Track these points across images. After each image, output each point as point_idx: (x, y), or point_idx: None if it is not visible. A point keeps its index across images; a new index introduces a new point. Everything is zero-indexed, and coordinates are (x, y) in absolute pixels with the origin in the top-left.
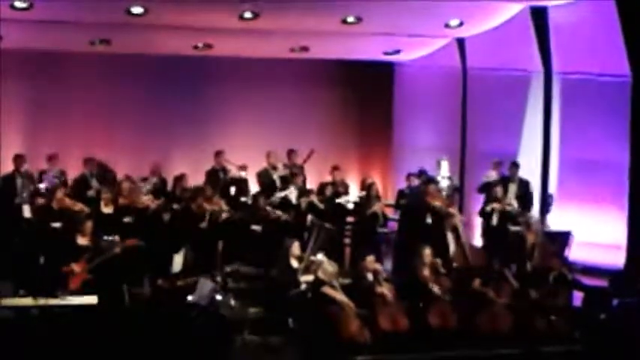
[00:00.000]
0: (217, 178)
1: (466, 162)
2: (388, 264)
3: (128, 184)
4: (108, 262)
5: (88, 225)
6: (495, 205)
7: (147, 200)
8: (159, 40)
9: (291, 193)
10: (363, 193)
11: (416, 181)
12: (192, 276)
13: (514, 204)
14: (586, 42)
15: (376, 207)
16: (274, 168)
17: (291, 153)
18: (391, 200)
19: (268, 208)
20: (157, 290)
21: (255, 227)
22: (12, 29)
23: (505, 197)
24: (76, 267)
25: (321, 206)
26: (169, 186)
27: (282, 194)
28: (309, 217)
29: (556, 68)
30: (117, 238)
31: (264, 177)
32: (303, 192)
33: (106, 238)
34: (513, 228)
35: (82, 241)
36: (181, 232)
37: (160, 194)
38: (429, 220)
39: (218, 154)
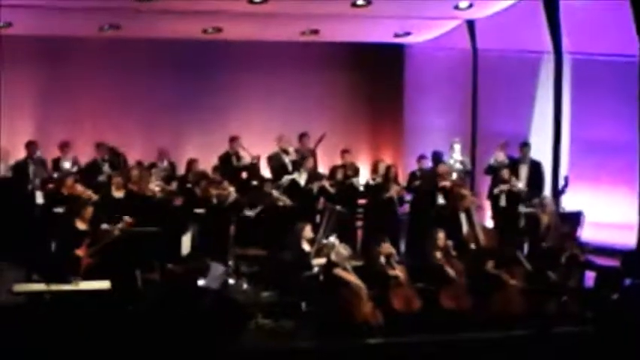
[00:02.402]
0: (230, 163)
1: (477, 144)
2: (401, 246)
3: (137, 171)
4: (111, 247)
5: (89, 210)
6: (503, 187)
7: (155, 188)
8: (168, 25)
9: (300, 177)
10: (375, 175)
11: (427, 163)
12: (202, 258)
13: (520, 185)
14: (596, 22)
15: (393, 191)
16: (285, 152)
17: (303, 137)
18: (402, 182)
19: (275, 193)
20: (168, 275)
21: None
22: (21, 15)
23: (512, 179)
24: (79, 252)
25: (332, 190)
26: (180, 170)
27: (290, 177)
28: (321, 201)
29: (566, 49)
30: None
31: (275, 161)
32: (313, 176)
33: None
34: (525, 210)
35: (81, 226)
36: (188, 215)
37: (171, 179)
38: (441, 201)
39: (233, 139)
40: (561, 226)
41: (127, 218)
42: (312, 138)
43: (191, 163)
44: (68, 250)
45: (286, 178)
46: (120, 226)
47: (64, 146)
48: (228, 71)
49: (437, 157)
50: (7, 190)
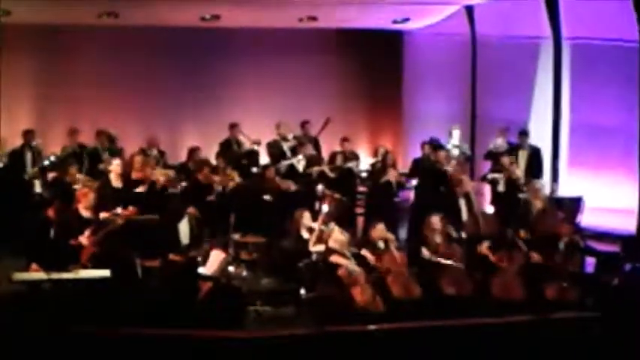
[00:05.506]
0: (230, 150)
1: (476, 130)
2: (403, 232)
3: (140, 158)
4: (114, 235)
5: (92, 197)
6: (496, 175)
7: (159, 174)
8: (166, 13)
9: (299, 162)
10: (376, 160)
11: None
12: (202, 246)
13: (519, 172)
14: (595, 7)
15: (390, 175)
16: (284, 139)
17: (305, 124)
18: (402, 169)
19: (277, 178)
20: (169, 264)
21: (267, 197)
22: (20, 3)
23: (512, 165)
24: (83, 240)
25: (332, 175)
26: (181, 157)
27: (287, 162)
28: (320, 187)
29: (565, 34)
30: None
31: (274, 148)
32: (312, 161)
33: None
34: (523, 196)
35: (85, 213)
36: (184, 203)
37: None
38: (441, 188)
39: (233, 126)
40: (555, 211)
41: (130, 208)
42: (312, 124)
43: (193, 151)
44: (70, 237)
45: (284, 164)
46: (122, 214)
47: (72, 133)
48: (226, 59)
49: (435, 144)
50: (2, 178)
